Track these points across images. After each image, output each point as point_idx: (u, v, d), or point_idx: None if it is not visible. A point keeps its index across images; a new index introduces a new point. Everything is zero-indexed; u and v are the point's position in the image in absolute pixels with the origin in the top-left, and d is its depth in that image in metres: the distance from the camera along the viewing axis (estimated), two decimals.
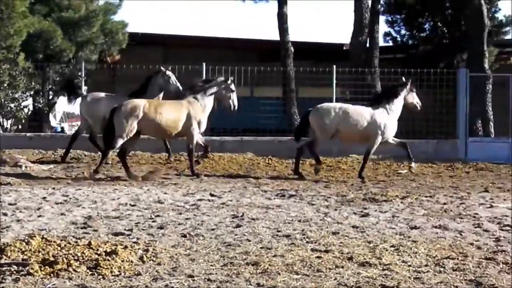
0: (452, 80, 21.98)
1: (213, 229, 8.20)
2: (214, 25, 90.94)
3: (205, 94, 15.69)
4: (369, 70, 23.83)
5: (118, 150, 15.33)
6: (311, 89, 25.84)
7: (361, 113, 15.78)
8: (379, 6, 27.46)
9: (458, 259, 6.43)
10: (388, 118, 15.79)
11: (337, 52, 28.51)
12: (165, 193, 11.82)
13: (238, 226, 8.42)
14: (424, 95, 21.77)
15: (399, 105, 16.08)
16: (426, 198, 11.50)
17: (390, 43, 32.56)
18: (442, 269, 6.03)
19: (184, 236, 7.74)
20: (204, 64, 21.62)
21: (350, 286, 5.55)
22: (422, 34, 31.80)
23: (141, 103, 15.08)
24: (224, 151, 19.71)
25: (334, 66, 21.95)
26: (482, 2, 25.18)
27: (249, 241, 7.44)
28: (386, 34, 32.48)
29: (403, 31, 32.29)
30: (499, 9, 32.78)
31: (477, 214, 9.59)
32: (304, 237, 7.61)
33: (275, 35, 25.71)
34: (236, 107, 16.24)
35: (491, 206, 10.48)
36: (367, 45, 25.65)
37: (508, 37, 33.39)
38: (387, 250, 6.87)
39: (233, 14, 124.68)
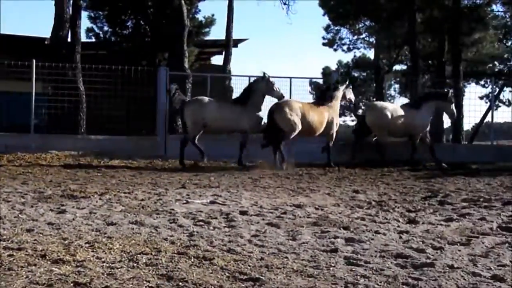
0: (153, 78, 22.35)
1: None
2: None
3: (337, 100, 19.38)
4: (71, 65, 23.47)
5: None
6: (10, 83, 25.00)
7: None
8: (81, 1, 27.15)
9: (151, 254, 6.51)
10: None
11: (39, 46, 27.80)
12: None
13: None
14: (125, 93, 22.00)
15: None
16: (124, 194, 11.56)
17: (93, 39, 32.37)
18: (135, 264, 6.07)
19: None
20: None
21: (42, 284, 5.39)
22: (124, 32, 31.94)
23: (297, 104, 18.45)
24: None
25: (34, 61, 21.40)
26: (183, 2, 25.90)
27: None
28: (89, 30, 32.29)
29: (106, 28, 32.25)
30: (199, 10, 34.02)
31: (173, 209, 9.78)
32: None
33: None
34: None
35: (187, 202, 10.76)
36: (69, 40, 25.27)
37: (207, 38, 34.62)
38: (82, 246, 6.79)
39: None
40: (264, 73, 18.93)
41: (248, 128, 18.85)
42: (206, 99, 19.20)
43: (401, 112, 19.98)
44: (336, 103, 19.30)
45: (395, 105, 20.87)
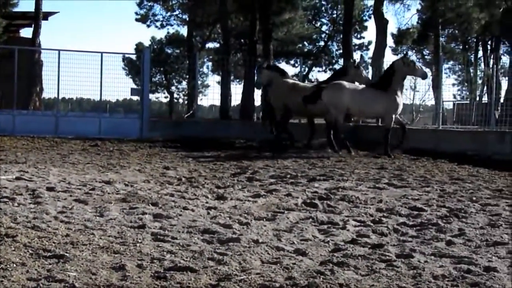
0: None
1: None
2: None
3: None
4: None
5: None
6: None
7: None
8: None
9: None
10: None
11: None
12: None
13: None
14: None
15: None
16: None
17: None
18: None
19: None
20: None
21: None
22: None
23: None
24: None
25: None
26: None
27: None
28: None
29: None
30: None
31: None
32: None
33: None
34: None
35: None
36: None
37: (16, 9, 33.46)
38: None
39: None
40: (405, 54, 18.60)
41: (386, 113, 18.03)
42: (346, 84, 18.20)
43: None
44: None
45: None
